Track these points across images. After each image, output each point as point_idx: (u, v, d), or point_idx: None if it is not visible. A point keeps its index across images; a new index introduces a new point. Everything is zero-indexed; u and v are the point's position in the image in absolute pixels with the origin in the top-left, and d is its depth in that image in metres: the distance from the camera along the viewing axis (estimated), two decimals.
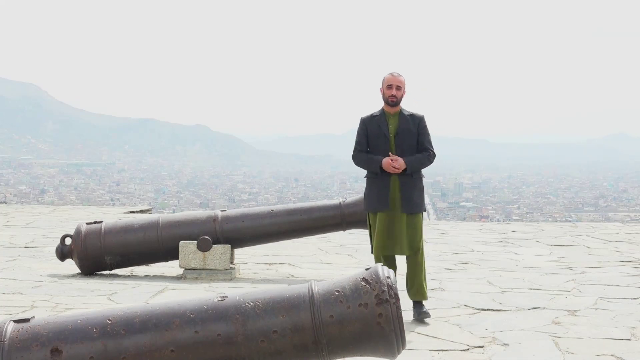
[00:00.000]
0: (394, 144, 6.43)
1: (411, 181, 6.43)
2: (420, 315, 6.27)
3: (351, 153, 6.65)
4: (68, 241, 8.53)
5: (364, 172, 6.61)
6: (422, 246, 6.46)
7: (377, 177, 6.44)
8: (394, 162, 6.34)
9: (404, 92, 6.48)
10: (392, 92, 6.40)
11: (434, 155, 6.54)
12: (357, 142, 6.60)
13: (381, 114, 6.50)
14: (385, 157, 6.40)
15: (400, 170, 6.36)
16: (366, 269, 3.73)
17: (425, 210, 6.56)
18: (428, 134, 6.53)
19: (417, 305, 6.39)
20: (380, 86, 6.50)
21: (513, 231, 12.99)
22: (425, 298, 6.43)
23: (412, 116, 6.49)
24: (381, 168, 6.40)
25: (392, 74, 6.46)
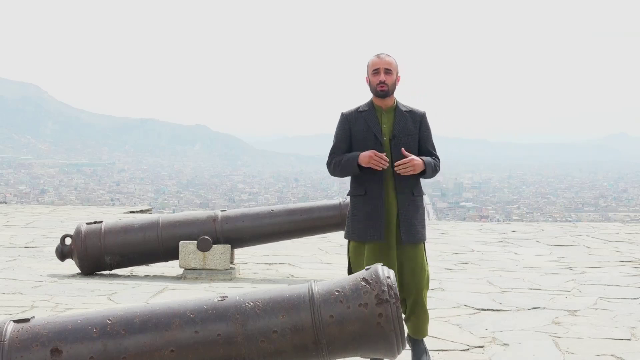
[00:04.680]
0: (389, 149, 4.93)
1: (413, 201, 4.95)
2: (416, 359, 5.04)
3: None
4: (68, 241, 8.53)
5: None
6: (427, 283, 5.09)
7: (366, 195, 4.91)
8: (377, 158, 4.80)
9: (397, 78, 4.98)
10: (380, 77, 4.89)
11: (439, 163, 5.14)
12: (335, 147, 5.02)
13: (370, 109, 4.98)
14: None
15: (406, 169, 4.85)
16: (366, 269, 3.73)
17: (425, 239, 5.08)
18: (431, 136, 5.14)
19: (416, 343, 5.07)
20: (366, 74, 5.01)
21: (513, 231, 12.99)
22: (424, 334, 5.13)
23: (412, 113, 5.02)
24: (370, 178, 4.89)
25: (377, 56, 4.96)
